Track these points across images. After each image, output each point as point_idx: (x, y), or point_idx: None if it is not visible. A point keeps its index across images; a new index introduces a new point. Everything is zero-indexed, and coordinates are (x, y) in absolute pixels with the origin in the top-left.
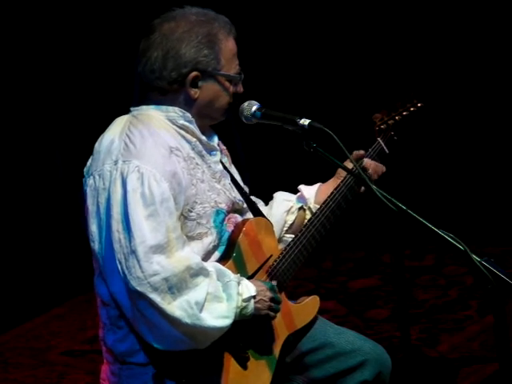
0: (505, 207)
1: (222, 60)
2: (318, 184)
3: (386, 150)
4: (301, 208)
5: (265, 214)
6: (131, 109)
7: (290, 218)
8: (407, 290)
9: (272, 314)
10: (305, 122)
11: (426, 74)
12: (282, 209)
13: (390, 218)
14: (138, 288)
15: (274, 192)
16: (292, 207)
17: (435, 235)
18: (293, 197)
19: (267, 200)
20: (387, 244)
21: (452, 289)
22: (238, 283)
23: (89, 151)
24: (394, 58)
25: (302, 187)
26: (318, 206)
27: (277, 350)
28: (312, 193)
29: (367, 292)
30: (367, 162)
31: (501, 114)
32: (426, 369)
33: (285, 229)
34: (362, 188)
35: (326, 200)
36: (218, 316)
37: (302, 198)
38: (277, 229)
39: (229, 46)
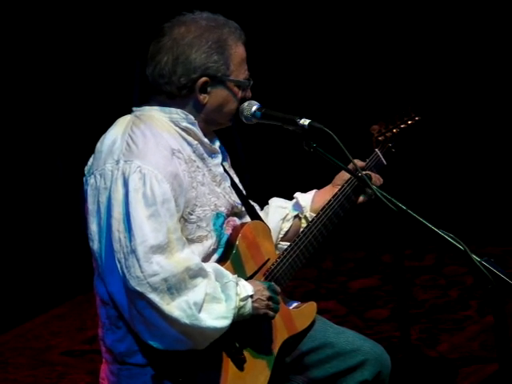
0: (505, 207)
1: (232, 65)
2: (314, 191)
3: (384, 162)
4: (296, 216)
5: (263, 219)
6: (133, 109)
7: (286, 226)
8: (407, 289)
9: (271, 313)
10: (305, 122)
11: (426, 80)
12: (278, 216)
13: (390, 218)
14: (138, 288)
15: (274, 192)
16: (288, 215)
17: (435, 235)
18: (288, 203)
19: (265, 201)
20: (387, 244)
21: (452, 289)
22: (236, 283)
23: (89, 152)
24: (393, 66)
25: (297, 195)
26: (314, 214)
27: (275, 351)
28: (308, 201)
29: (367, 292)
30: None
31: (500, 114)
32: (426, 369)
33: (280, 236)
34: (360, 198)
35: (324, 207)
36: (216, 317)
37: (297, 206)
38: (272, 236)
39: (238, 51)
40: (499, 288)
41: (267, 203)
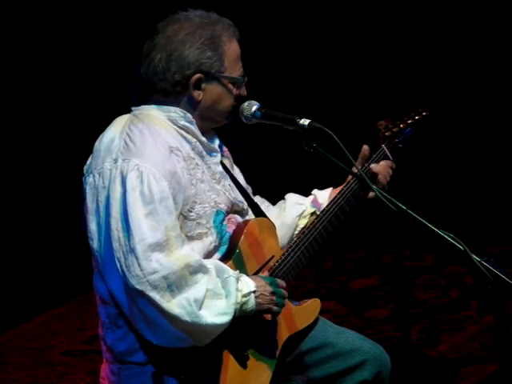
0: (505, 207)
1: (226, 62)
2: (330, 189)
3: (390, 157)
4: (313, 213)
5: (270, 215)
6: (132, 108)
7: (302, 222)
8: (407, 289)
9: (275, 308)
10: (305, 122)
11: (430, 77)
12: (295, 213)
13: (390, 218)
14: (137, 286)
15: (274, 192)
16: (304, 211)
17: (435, 235)
18: (305, 200)
19: (269, 200)
20: (387, 244)
21: (452, 289)
22: (237, 279)
23: (89, 151)
24: (398, 62)
25: (315, 192)
26: None
27: (277, 350)
28: (325, 198)
29: (367, 292)
30: (374, 166)
31: (500, 114)
32: (426, 369)
33: (296, 232)
34: (371, 193)
35: (329, 204)
36: (217, 313)
37: (315, 203)
38: (289, 232)
39: (232, 48)
40: (499, 288)
41: (271, 199)
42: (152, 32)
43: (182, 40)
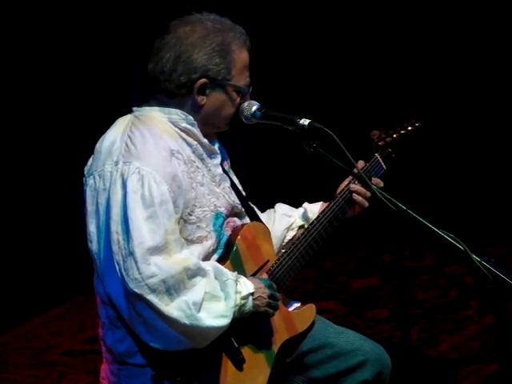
0: (505, 207)
1: (233, 70)
2: (320, 203)
3: (384, 167)
4: (302, 226)
5: (263, 221)
6: (133, 109)
7: (290, 235)
8: (407, 289)
9: (270, 311)
10: (305, 122)
11: (430, 78)
12: (284, 225)
13: (390, 218)
14: (136, 290)
15: (274, 193)
16: (293, 224)
17: (435, 235)
18: (294, 212)
19: (265, 202)
20: (387, 244)
21: (452, 289)
22: (236, 281)
23: (89, 152)
24: (394, 71)
25: (306, 205)
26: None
27: (274, 352)
28: (315, 212)
29: (367, 292)
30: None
31: (500, 114)
32: (426, 369)
33: (283, 244)
34: (355, 210)
35: (324, 210)
36: (216, 316)
37: (304, 217)
38: (277, 244)
39: (241, 57)
40: (499, 288)
41: (268, 204)
42: (163, 30)
43: (193, 43)
